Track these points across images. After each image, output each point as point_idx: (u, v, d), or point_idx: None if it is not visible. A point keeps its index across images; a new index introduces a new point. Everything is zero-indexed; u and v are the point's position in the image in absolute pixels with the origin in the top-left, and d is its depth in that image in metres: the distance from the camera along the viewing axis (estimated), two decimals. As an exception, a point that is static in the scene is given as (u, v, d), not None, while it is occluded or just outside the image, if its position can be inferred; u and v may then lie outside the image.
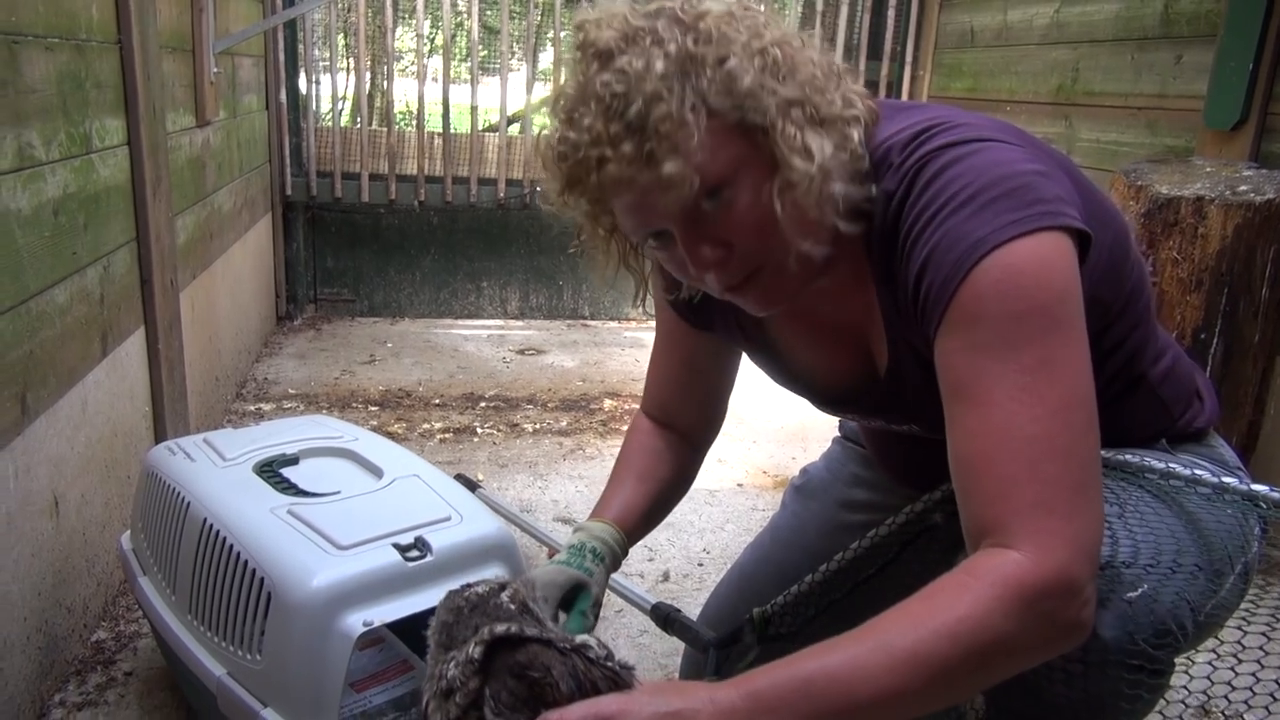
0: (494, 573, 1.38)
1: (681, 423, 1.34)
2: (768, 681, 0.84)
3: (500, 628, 0.89)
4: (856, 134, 0.96)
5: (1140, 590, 0.91)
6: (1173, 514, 1.01)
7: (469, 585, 0.96)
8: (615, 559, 1.21)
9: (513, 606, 0.93)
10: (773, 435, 3.07)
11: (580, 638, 0.92)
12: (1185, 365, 1.17)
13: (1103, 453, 1.06)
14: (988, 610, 0.81)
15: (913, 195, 0.93)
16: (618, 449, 1.35)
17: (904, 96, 4.37)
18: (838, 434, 1.56)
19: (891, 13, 4.35)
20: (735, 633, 1.31)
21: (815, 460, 1.58)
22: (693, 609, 1.66)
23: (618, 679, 0.90)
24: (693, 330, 1.27)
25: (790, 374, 1.21)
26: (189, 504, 1.44)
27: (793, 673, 0.84)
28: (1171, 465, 1.02)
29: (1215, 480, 1.01)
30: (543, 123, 0.98)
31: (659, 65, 0.89)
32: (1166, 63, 2.87)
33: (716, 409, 1.35)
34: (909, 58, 4.39)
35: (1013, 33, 3.68)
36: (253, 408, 3.15)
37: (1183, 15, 2.82)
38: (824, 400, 1.22)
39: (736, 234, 0.94)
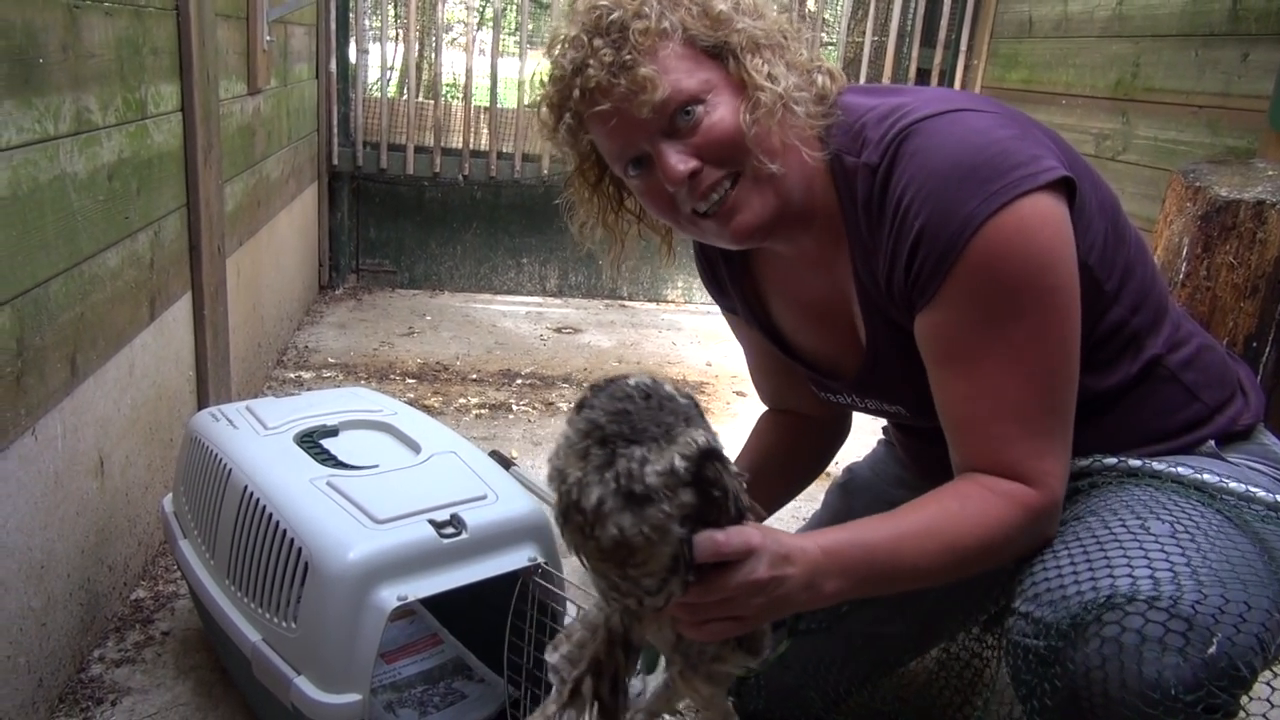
0: (527, 554, 1.38)
1: (788, 404, 1.38)
2: (847, 540, 0.97)
3: (703, 439, 0.83)
4: (820, 79, 1.05)
5: (1217, 641, 0.84)
6: (1245, 538, 0.95)
7: (614, 379, 0.87)
8: None
9: (686, 401, 0.86)
10: (808, 424, 3.06)
11: (735, 466, 0.90)
12: (1215, 354, 1.16)
13: (1157, 464, 1.04)
14: (1007, 523, 0.98)
15: (897, 169, 1.00)
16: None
17: (956, 86, 4.29)
18: (882, 436, 1.55)
19: (948, -1, 4.27)
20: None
21: (859, 459, 1.57)
22: (723, 598, 1.66)
23: (755, 513, 0.94)
24: (738, 319, 1.30)
25: (793, 354, 1.26)
26: (230, 471, 1.46)
27: (863, 537, 0.98)
28: (1227, 482, 0.99)
29: (1271, 499, 0.97)
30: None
31: None
32: (1232, 60, 2.79)
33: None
34: (964, 45, 4.30)
35: (1073, 24, 3.59)
36: (293, 375, 3.18)
37: (1252, 12, 2.73)
38: (819, 378, 1.24)
39: (706, 147, 1.02)
